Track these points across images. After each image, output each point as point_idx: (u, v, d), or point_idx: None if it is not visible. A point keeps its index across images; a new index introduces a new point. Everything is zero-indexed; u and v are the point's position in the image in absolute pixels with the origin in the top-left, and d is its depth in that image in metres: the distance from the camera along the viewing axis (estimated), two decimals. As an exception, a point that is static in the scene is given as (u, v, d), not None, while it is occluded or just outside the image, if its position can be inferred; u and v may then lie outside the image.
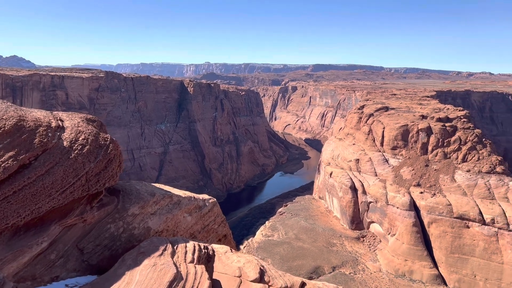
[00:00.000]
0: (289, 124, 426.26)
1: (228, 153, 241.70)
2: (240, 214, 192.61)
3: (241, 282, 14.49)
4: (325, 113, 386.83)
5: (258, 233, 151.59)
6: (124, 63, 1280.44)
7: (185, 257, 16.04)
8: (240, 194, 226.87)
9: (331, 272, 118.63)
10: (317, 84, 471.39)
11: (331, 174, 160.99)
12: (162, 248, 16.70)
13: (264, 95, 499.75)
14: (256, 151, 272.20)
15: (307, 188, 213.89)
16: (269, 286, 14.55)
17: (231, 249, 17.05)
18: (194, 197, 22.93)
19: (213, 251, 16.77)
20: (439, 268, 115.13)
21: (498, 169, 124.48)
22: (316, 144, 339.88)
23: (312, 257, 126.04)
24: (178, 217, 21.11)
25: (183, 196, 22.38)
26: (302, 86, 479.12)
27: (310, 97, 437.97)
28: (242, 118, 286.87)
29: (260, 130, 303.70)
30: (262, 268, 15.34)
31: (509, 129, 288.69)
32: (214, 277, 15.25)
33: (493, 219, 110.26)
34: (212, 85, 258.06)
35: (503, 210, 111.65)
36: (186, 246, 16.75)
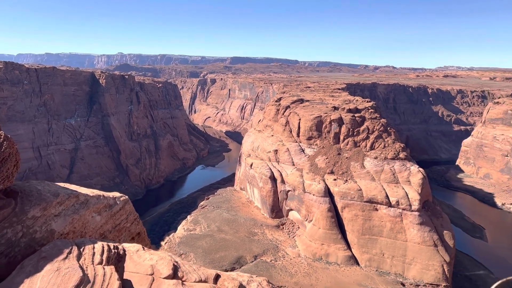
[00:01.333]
0: (209, 117, 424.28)
1: (146, 147, 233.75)
2: (161, 210, 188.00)
3: (153, 280, 13.93)
4: (244, 106, 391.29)
5: (179, 228, 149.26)
6: (26, 53, 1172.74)
7: (92, 258, 14.97)
8: (160, 189, 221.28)
9: (253, 261, 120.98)
10: (236, 77, 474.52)
11: (251, 165, 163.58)
12: (66, 251, 15.39)
13: (182, 88, 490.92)
14: (176, 144, 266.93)
15: (229, 180, 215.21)
16: (182, 281, 14.17)
17: (143, 247, 16.31)
18: (103, 196, 21.52)
19: (124, 250, 15.91)
20: (352, 249, 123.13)
21: (401, 155, 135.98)
22: (237, 136, 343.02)
23: (235, 248, 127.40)
24: (86, 217, 19.64)
25: (91, 195, 20.89)
26: (221, 79, 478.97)
27: (230, 89, 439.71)
28: (160, 111, 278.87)
29: (180, 123, 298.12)
30: (175, 264, 14.89)
31: (409, 118, 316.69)
32: (125, 277, 14.46)
33: (397, 201, 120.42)
34: (127, 76, 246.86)
35: (406, 192, 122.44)
36: (94, 247, 15.63)
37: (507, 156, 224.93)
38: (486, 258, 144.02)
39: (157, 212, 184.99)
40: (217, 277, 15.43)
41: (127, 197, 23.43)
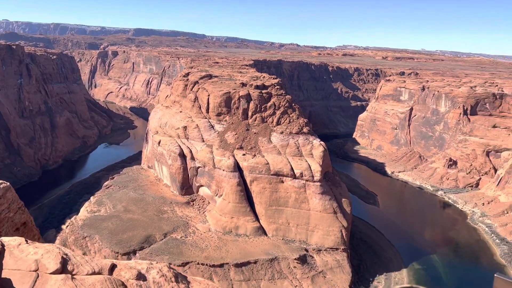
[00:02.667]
0: (111, 92, 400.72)
1: (40, 125, 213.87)
2: (60, 192, 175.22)
3: (38, 276, 12.65)
4: (150, 80, 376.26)
5: (82, 209, 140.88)
6: None
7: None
8: (59, 170, 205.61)
9: (162, 239, 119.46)
10: (140, 50, 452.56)
11: (159, 142, 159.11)
12: None
13: (80, 60, 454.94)
14: (75, 122, 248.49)
15: (135, 159, 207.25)
16: (73, 275, 13.16)
17: (26, 240, 14.72)
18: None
19: (3, 245, 14.16)
20: (260, 220, 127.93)
21: (305, 130, 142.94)
22: (143, 113, 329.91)
23: (143, 227, 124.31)
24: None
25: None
26: (124, 51, 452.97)
27: (133, 63, 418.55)
28: (55, 85, 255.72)
29: (78, 99, 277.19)
30: (64, 256, 13.73)
31: (312, 94, 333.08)
32: (4, 275, 12.86)
33: (301, 173, 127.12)
34: (14, 47, 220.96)
35: (309, 164, 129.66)
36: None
37: (396, 129, 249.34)
38: (378, 221, 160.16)
39: (56, 194, 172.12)
40: (112, 267, 14.61)
41: (8, 184, 21.00)
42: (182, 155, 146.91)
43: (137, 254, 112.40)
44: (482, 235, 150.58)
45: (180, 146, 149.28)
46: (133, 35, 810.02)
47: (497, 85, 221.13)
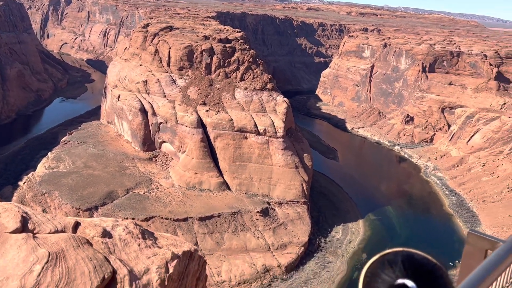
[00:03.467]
0: (66, 43, 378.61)
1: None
2: (15, 148, 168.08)
3: None
4: (107, 31, 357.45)
5: (40, 166, 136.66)
6: None
7: None
8: (12, 125, 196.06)
9: (125, 195, 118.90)
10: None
11: (119, 97, 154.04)
12: None
13: (30, 8, 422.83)
14: (27, 74, 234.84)
15: (94, 114, 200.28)
16: (34, 233, 12.89)
17: (-19, 199, 14.11)
18: None
19: (-44, 204, 13.52)
20: (224, 176, 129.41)
21: (269, 86, 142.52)
22: (100, 65, 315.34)
23: (105, 183, 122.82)
24: None
25: None
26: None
27: (89, 12, 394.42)
28: (3, 34, 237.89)
29: (30, 50, 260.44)
30: (24, 215, 13.35)
31: (276, 49, 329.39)
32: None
33: (265, 129, 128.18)
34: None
35: (272, 121, 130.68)
36: None
37: (357, 86, 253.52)
38: (338, 175, 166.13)
39: (10, 150, 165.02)
40: (76, 225, 14.42)
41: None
42: (143, 111, 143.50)
43: (99, 210, 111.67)
44: (433, 187, 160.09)
45: (140, 101, 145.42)
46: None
47: (455, 43, 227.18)
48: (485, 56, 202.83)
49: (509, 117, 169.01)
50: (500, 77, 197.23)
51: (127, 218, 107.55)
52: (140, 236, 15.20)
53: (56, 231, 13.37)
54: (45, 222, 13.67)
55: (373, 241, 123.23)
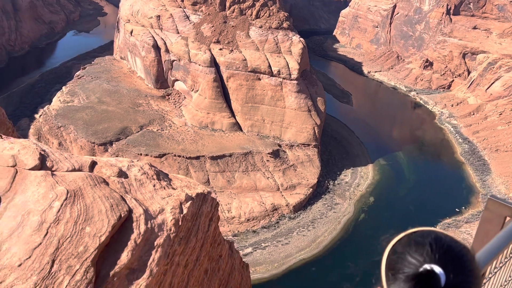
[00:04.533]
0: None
1: (1, 8, 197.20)
2: (30, 80, 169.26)
3: (16, 172, 12.66)
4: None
5: (55, 99, 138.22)
6: None
7: None
8: (26, 57, 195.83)
9: (138, 131, 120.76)
10: None
11: (131, 32, 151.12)
12: None
13: None
14: (39, 5, 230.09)
15: (107, 48, 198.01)
16: (52, 171, 13.25)
17: (1, 135, 14.40)
18: None
19: (-24, 140, 13.80)
20: (236, 117, 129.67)
21: (285, 24, 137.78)
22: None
23: (119, 119, 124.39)
24: None
25: None
26: None
27: None
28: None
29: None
30: (42, 153, 13.63)
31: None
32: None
33: (279, 71, 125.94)
34: None
35: (287, 62, 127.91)
36: None
37: (377, 27, 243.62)
38: (350, 120, 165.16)
39: (25, 82, 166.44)
40: (93, 164, 14.75)
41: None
42: (156, 47, 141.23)
43: (113, 145, 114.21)
44: (447, 135, 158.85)
45: (153, 37, 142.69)
46: None
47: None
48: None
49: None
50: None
51: (141, 154, 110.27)
52: (155, 177, 15.60)
53: (74, 170, 13.76)
54: (63, 160, 14.03)
55: (381, 185, 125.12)
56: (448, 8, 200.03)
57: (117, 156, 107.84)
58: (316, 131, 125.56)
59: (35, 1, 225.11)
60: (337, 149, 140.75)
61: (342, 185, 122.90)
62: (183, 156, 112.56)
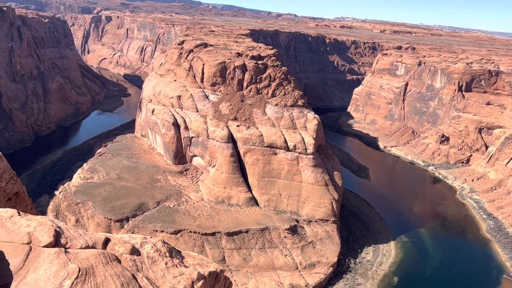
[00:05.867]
0: (105, 58, 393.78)
1: (32, 90, 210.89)
2: (53, 158, 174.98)
3: (30, 249, 12.68)
4: (144, 47, 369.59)
5: (75, 176, 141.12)
6: None
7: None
8: (51, 136, 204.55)
9: (155, 207, 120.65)
10: (134, 16, 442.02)
11: (153, 111, 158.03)
12: None
13: (73, 25, 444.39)
14: (68, 88, 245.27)
15: (129, 127, 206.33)
16: (66, 248, 13.22)
17: (19, 212, 14.64)
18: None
19: (-5, 216, 14.04)
20: (253, 191, 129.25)
21: (300, 102, 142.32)
22: (137, 80, 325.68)
23: (136, 195, 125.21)
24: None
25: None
26: (118, 17, 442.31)
27: (127, 29, 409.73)
28: (47, 50, 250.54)
29: (71, 64, 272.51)
30: (58, 229, 13.74)
31: (308, 67, 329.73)
32: (-4, 248, 12.81)
33: (295, 146, 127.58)
34: (5, 8, 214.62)
35: (303, 137, 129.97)
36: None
37: (390, 104, 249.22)
38: (369, 194, 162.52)
39: (49, 160, 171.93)
40: (106, 241, 14.70)
41: (-1, 153, 20.77)
42: (175, 125, 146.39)
43: (130, 221, 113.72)
44: (470, 210, 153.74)
45: (174, 116, 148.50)
46: (127, 0, 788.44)
47: (493, 62, 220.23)
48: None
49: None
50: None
51: (157, 231, 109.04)
52: (167, 254, 15.32)
53: (87, 247, 13.68)
54: (77, 237, 14.02)
55: (405, 264, 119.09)
56: (460, 85, 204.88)
57: (132, 233, 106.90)
58: (334, 206, 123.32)
59: (64, 84, 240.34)
60: (357, 225, 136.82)
61: (364, 264, 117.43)
62: (198, 233, 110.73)
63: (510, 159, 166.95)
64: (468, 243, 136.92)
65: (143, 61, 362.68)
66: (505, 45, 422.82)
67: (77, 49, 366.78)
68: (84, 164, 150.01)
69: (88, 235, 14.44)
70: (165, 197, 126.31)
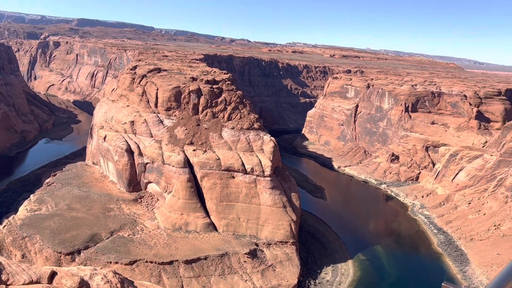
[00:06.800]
0: (53, 85, 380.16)
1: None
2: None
3: None
4: (95, 73, 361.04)
5: (21, 208, 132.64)
6: None
7: None
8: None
9: (109, 238, 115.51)
10: (85, 41, 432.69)
11: (105, 137, 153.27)
12: None
13: (18, 50, 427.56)
14: (13, 116, 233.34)
15: (79, 155, 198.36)
16: (7, 285, 12.22)
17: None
18: None
19: None
20: (211, 216, 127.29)
21: (256, 125, 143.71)
22: (87, 107, 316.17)
23: (88, 226, 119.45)
24: None
25: None
26: (67, 42, 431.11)
27: (77, 54, 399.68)
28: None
29: (16, 91, 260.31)
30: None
31: (263, 90, 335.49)
32: None
33: (252, 168, 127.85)
34: None
35: (260, 160, 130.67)
36: None
37: (342, 125, 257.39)
38: (325, 214, 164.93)
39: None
40: (52, 274, 13.78)
41: None
42: (129, 151, 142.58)
43: (81, 254, 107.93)
44: (421, 226, 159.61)
45: (127, 142, 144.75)
46: (76, 26, 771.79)
47: (435, 84, 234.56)
48: (465, 96, 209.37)
49: (491, 155, 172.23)
50: (480, 117, 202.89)
51: (111, 262, 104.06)
52: (119, 285, 14.59)
53: (31, 282, 12.74)
54: (20, 273, 13.04)
55: (363, 282, 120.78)
56: (406, 106, 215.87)
57: (85, 265, 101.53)
58: (293, 227, 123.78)
59: (8, 112, 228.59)
60: (315, 246, 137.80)
61: (323, 284, 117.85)
62: (155, 262, 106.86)
63: (455, 175, 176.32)
64: (421, 258, 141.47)
65: (94, 87, 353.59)
66: (445, 68, 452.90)
67: (23, 75, 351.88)
68: (31, 195, 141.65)
69: (32, 270, 13.46)
70: (119, 226, 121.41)
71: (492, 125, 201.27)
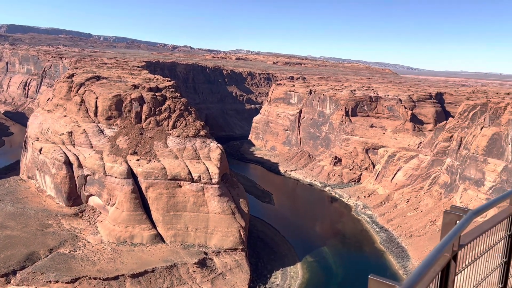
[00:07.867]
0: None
1: None
2: None
3: None
4: (28, 82, 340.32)
5: None
6: None
7: None
8: None
9: (48, 255, 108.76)
10: (16, 48, 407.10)
11: (40, 150, 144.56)
12: None
13: None
14: None
15: (12, 169, 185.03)
16: None
17: None
18: None
19: None
20: (158, 227, 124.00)
21: (202, 132, 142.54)
22: (20, 118, 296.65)
23: (24, 244, 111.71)
24: None
25: None
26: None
27: (7, 62, 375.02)
28: None
29: None
30: None
31: (208, 97, 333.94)
32: None
33: (199, 176, 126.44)
34: None
35: (207, 167, 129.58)
36: None
37: (287, 130, 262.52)
38: (274, 218, 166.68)
39: None
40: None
41: None
42: (67, 163, 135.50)
43: (17, 275, 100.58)
44: (364, 225, 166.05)
45: (65, 153, 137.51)
46: (6, 32, 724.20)
47: (373, 89, 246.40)
48: (400, 100, 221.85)
49: (425, 155, 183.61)
50: (414, 119, 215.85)
51: (51, 282, 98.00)
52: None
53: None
54: None
55: (312, 284, 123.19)
56: (347, 110, 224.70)
57: (22, 287, 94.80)
58: (242, 234, 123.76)
59: None
60: (264, 250, 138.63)
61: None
62: (99, 278, 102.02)
63: (394, 175, 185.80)
64: (366, 256, 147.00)
65: (27, 97, 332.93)
66: (381, 74, 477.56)
67: None
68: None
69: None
70: (58, 243, 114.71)
71: (425, 127, 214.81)
